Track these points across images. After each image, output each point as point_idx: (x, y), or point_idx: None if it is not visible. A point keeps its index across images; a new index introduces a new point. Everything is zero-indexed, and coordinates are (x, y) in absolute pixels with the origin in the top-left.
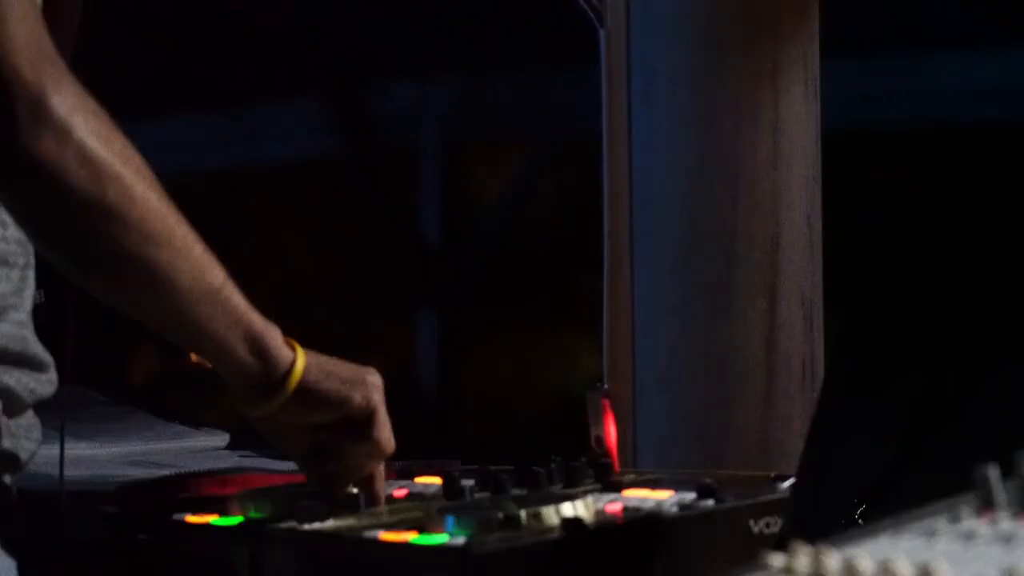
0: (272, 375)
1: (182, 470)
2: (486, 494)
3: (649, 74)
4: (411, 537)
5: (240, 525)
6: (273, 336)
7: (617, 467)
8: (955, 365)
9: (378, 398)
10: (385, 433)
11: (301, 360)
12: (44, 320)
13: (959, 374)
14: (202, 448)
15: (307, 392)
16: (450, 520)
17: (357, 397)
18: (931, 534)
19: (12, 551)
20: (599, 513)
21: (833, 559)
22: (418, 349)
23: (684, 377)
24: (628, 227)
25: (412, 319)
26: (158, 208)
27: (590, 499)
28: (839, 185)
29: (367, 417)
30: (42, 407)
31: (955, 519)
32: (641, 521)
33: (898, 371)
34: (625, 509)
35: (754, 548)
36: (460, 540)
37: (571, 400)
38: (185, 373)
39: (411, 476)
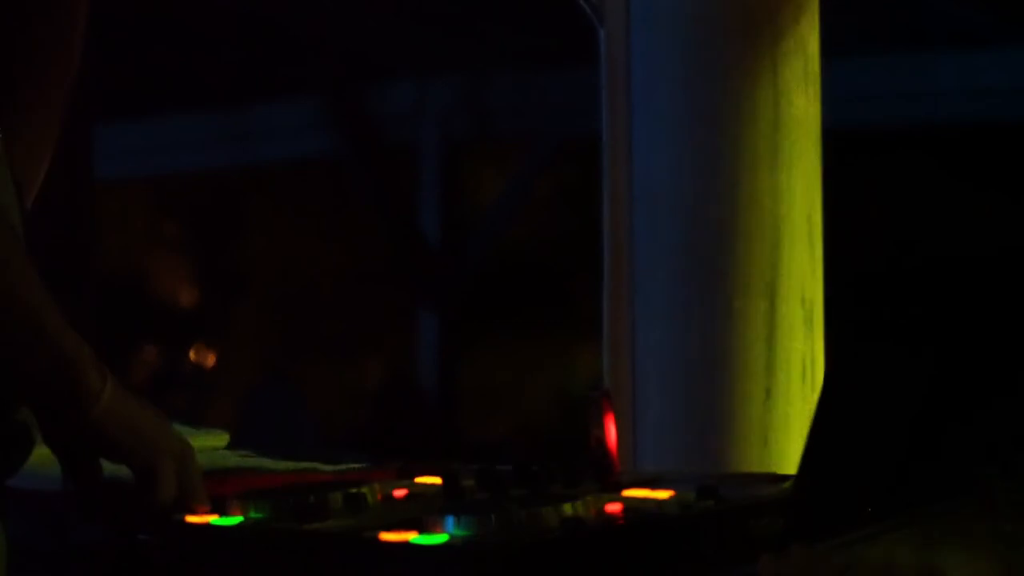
0: (69, 409)
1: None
2: (486, 494)
3: (649, 74)
4: (411, 537)
5: (240, 525)
6: (83, 369)
7: (617, 467)
8: (956, 366)
9: (165, 465)
10: (159, 498)
11: (105, 401)
12: None
13: (960, 375)
14: (201, 448)
15: (97, 434)
16: (450, 520)
17: (140, 457)
18: (932, 535)
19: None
20: (599, 513)
21: (832, 560)
22: (418, 349)
23: (684, 377)
24: (628, 227)
25: (412, 319)
26: None
27: (590, 499)
28: (839, 185)
29: (146, 477)
30: None
31: (956, 520)
32: (641, 521)
33: (898, 372)
34: (625, 509)
35: (754, 548)
36: (460, 540)
37: (571, 400)
38: (185, 373)
39: (411, 476)
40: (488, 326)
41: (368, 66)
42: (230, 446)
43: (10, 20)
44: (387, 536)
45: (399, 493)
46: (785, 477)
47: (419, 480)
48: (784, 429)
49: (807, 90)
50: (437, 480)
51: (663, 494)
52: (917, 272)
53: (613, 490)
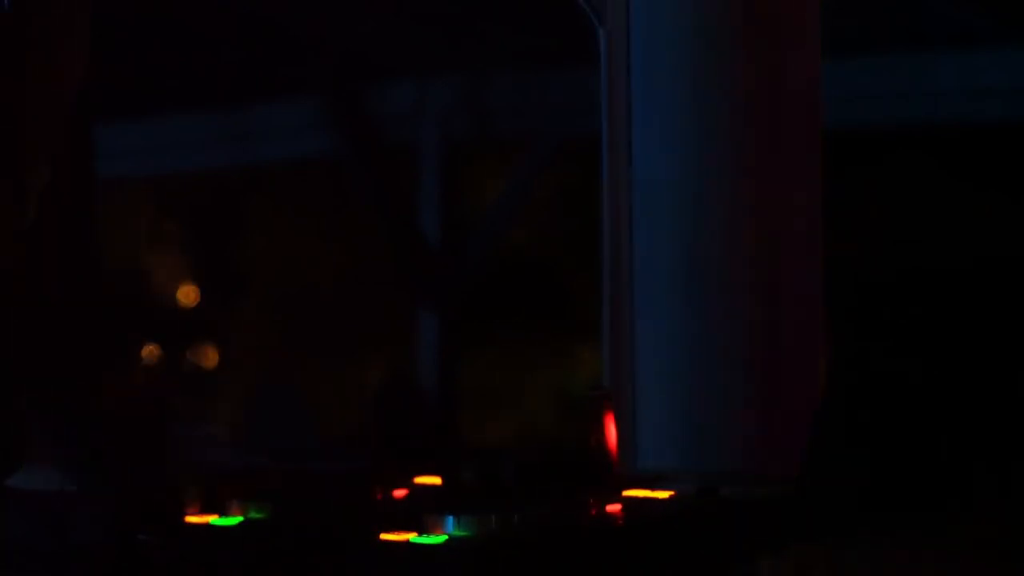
0: None
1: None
2: (486, 494)
3: (649, 74)
4: (411, 537)
5: (240, 525)
6: None
7: (617, 467)
8: (955, 367)
9: None
10: None
11: None
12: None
13: (959, 376)
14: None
15: None
16: (450, 520)
17: None
18: (929, 536)
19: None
20: (599, 513)
21: (831, 560)
22: (418, 349)
23: (684, 377)
24: (628, 227)
25: (412, 319)
26: None
27: (590, 499)
28: (839, 185)
29: None
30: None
31: (954, 523)
32: (641, 521)
33: (898, 372)
34: (625, 509)
35: (753, 548)
36: (460, 540)
37: (571, 400)
38: (185, 373)
39: (411, 476)
40: (488, 326)
41: (368, 66)
42: (231, 445)
43: (17, 29)
44: (387, 536)
45: (399, 493)
46: (785, 477)
47: (419, 480)
48: (784, 429)
49: (808, 90)
50: (437, 480)
51: (663, 494)
52: (917, 273)
53: (613, 490)
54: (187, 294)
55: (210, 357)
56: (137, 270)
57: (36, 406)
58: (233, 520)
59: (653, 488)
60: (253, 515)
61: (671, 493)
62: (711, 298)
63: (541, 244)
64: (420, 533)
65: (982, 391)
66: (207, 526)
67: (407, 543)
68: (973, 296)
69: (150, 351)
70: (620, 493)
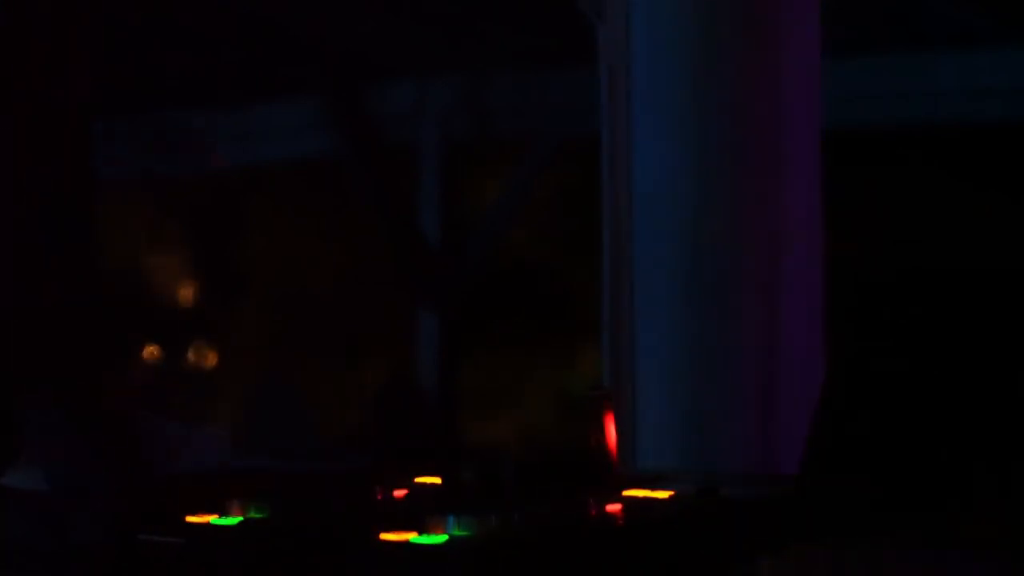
0: None
1: (183, 470)
2: (486, 494)
3: (649, 74)
4: (411, 537)
5: (240, 525)
6: None
7: (617, 467)
8: (954, 367)
9: None
10: None
11: None
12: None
13: (958, 376)
14: (203, 448)
15: None
16: (450, 520)
17: None
18: (929, 536)
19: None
20: (599, 513)
21: (832, 560)
22: (418, 349)
23: (684, 377)
24: (628, 227)
25: (412, 319)
26: None
27: (590, 499)
28: (839, 185)
29: None
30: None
31: (951, 521)
32: (641, 521)
33: (898, 372)
34: (625, 509)
35: (753, 548)
36: (460, 540)
37: (571, 400)
38: (185, 373)
39: (411, 476)
40: (488, 327)
41: (368, 66)
42: (232, 446)
43: (17, 32)
44: (387, 536)
45: (399, 493)
46: (785, 477)
47: (419, 480)
48: (784, 429)
49: (807, 89)
50: (437, 480)
51: (663, 494)
52: (917, 273)
53: (613, 490)
54: (187, 294)
55: (210, 357)
56: (137, 270)
57: (36, 406)
58: (233, 520)
59: (653, 488)
60: (253, 515)
61: (671, 493)
62: (711, 298)
63: (541, 244)
64: (420, 533)
65: (982, 391)
66: (207, 526)
67: (407, 543)
68: (973, 296)
69: (150, 351)
70: (620, 493)
